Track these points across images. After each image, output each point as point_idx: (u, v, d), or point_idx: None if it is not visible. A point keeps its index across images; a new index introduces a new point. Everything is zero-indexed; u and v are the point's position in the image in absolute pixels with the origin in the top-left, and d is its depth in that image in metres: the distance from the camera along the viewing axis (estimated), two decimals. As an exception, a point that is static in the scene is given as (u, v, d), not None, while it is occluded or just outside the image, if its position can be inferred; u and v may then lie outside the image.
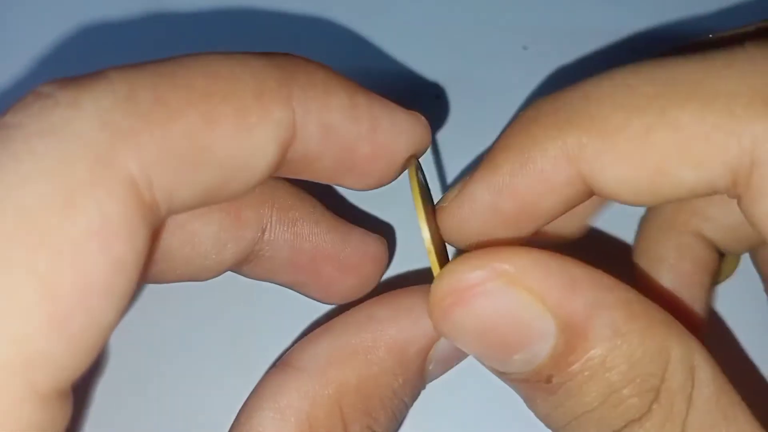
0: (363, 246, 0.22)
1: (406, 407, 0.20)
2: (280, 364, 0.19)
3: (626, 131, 0.16)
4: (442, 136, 0.28)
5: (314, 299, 0.23)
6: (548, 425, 0.18)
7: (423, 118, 0.19)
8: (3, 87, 0.28)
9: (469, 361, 0.21)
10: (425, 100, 0.28)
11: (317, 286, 0.22)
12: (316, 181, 0.19)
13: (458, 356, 0.20)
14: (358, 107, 0.17)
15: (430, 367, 0.20)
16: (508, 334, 0.16)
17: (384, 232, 0.24)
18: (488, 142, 0.27)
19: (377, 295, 0.21)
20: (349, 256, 0.22)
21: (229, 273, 0.21)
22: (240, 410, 0.18)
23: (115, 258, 0.13)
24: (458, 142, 0.27)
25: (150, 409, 0.24)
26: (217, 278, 0.21)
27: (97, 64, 0.15)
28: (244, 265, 0.22)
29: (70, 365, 0.13)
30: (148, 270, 0.16)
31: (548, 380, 0.16)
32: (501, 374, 0.18)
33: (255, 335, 0.25)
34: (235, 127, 0.15)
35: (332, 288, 0.22)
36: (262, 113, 0.15)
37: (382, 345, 0.19)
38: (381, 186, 0.19)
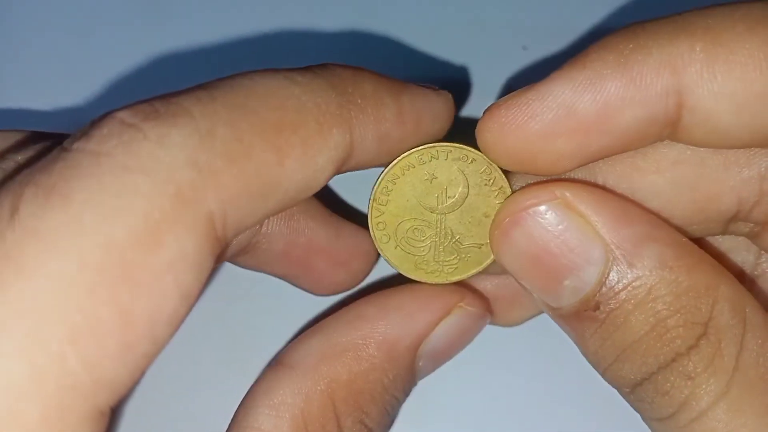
0: (354, 241, 0.23)
1: (398, 402, 0.20)
2: (273, 363, 0.20)
3: (746, 40, 0.16)
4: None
5: (305, 291, 0.24)
6: (598, 366, 0.18)
7: (449, 94, 0.20)
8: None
9: (467, 363, 0.22)
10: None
11: (309, 278, 0.23)
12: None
13: (448, 352, 0.21)
14: (403, 110, 0.18)
15: (420, 364, 0.20)
16: (558, 256, 0.17)
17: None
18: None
19: (366, 290, 0.21)
20: (340, 250, 0.23)
21: (225, 272, 0.22)
22: (237, 409, 0.19)
23: (185, 290, 0.14)
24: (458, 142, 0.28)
25: (144, 407, 0.25)
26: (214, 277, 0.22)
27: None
28: (240, 255, 0.23)
29: (127, 386, 0.14)
30: None
31: (596, 308, 0.17)
32: (552, 310, 0.18)
33: (251, 334, 0.26)
34: (302, 157, 0.15)
35: (323, 280, 0.23)
36: (324, 141, 0.16)
37: (371, 342, 0.19)
38: None
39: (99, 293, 0.13)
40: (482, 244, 0.20)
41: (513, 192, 0.19)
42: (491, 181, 0.19)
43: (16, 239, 0.13)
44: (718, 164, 0.18)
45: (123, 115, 0.14)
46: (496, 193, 0.19)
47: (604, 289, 0.17)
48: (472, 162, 0.19)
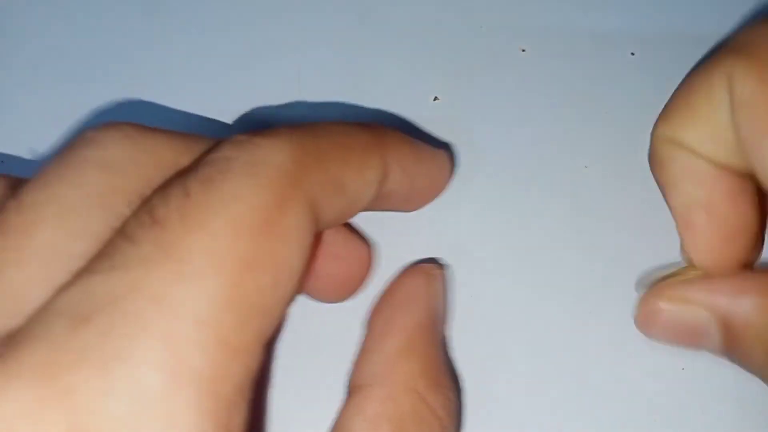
0: (348, 247, 0.23)
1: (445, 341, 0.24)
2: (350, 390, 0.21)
3: None
4: (440, 137, 0.28)
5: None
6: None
7: (450, 153, 0.26)
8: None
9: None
10: (424, 102, 0.29)
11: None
12: (388, 210, 0.24)
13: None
14: (420, 156, 0.23)
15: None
16: (687, 337, 0.23)
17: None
18: (486, 144, 0.27)
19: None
20: (335, 255, 0.23)
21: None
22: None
23: (294, 270, 0.17)
24: (456, 144, 0.28)
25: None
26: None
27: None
28: None
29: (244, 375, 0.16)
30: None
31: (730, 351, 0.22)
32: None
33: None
34: (357, 168, 0.20)
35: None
36: (370, 162, 0.21)
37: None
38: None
39: (224, 275, 0.16)
40: None
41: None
42: None
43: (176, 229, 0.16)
44: None
45: (238, 137, 0.18)
46: None
47: (727, 346, 0.22)
48: None
